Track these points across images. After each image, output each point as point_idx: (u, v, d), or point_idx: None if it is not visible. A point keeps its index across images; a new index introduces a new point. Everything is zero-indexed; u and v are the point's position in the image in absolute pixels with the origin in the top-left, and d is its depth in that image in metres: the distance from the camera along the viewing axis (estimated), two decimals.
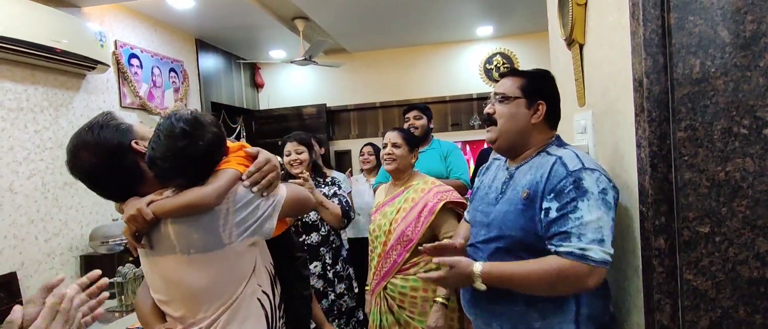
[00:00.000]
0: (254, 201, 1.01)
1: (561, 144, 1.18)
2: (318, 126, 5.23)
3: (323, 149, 2.92)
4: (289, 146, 2.18)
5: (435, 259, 1.19)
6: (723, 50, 0.92)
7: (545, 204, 1.04)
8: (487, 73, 5.04)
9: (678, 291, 0.94)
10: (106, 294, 0.83)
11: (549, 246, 1.03)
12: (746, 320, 0.92)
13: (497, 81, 5.04)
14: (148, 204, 0.96)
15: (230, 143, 1.08)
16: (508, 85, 1.21)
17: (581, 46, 1.44)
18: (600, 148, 1.34)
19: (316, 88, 5.43)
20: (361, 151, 3.49)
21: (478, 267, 1.07)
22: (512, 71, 1.26)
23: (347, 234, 3.24)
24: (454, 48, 5.13)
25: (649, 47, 0.96)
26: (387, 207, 1.83)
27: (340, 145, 5.44)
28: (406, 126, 2.72)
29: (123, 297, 2.08)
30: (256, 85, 5.55)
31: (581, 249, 0.98)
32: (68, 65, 2.66)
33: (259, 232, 1.02)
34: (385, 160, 1.83)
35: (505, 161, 1.27)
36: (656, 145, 0.96)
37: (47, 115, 2.64)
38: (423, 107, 2.82)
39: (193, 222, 0.96)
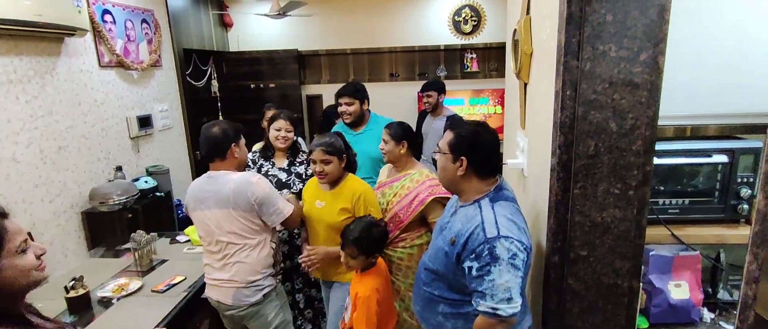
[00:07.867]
0: (271, 206, 1.95)
1: (495, 197, 1.37)
2: (290, 71, 5.35)
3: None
4: (281, 123, 2.36)
5: None
6: (610, 136, 1.31)
7: (467, 263, 1.29)
8: (456, 25, 5.22)
9: (563, 290, 1.43)
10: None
11: (472, 300, 1.31)
12: (601, 308, 1.43)
13: (464, 33, 5.71)
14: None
15: None
16: (443, 140, 1.42)
17: (525, 84, 1.79)
18: (531, 171, 1.76)
19: (286, 31, 5.44)
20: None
21: None
22: (452, 125, 1.45)
23: None
24: None
25: (563, 128, 1.34)
26: (386, 188, 2.17)
27: (312, 89, 5.62)
28: (339, 110, 2.57)
29: (137, 255, 2.44)
30: (225, 25, 5.48)
31: (493, 307, 1.25)
32: (49, 34, 2.70)
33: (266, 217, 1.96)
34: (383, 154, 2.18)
35: None
36: (560, 195, 1.38)
37: (34, 84, 2.73)
38: (354, 90, 2.50)
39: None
